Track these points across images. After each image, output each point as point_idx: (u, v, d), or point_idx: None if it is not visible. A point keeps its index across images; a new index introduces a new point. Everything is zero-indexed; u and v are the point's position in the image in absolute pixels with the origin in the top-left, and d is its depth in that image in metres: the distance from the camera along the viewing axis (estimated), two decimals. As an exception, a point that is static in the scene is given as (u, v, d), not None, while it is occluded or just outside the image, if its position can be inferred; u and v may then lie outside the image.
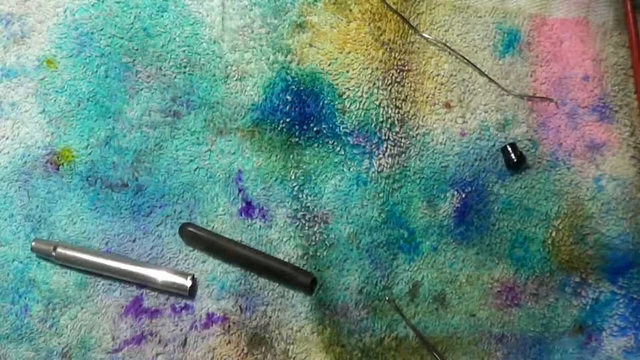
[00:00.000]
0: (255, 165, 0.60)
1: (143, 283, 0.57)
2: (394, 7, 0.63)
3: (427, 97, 0.63)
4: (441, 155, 0.62)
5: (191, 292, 0.58)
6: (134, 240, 0.59)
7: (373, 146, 0.61)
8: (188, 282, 0.57)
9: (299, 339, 0.59)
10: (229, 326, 0.58)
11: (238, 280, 0.59)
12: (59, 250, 0.56)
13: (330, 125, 0.61)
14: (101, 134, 0.59)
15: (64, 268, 0.58)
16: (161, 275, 0.57)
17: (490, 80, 0.63)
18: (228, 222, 0.59)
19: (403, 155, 0.62)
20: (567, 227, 0.62)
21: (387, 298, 0.60)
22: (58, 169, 0.58)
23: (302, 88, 0.61)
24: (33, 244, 0.57)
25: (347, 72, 0.62)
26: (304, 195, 0.60)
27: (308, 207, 0.60)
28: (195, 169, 0.60)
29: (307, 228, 0.60)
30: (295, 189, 0.60)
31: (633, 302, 0.62)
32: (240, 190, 0.60)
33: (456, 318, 0.61)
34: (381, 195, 0.61)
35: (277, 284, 0.59)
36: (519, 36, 0.64)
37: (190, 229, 0.58)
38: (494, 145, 0.63)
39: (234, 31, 0.61)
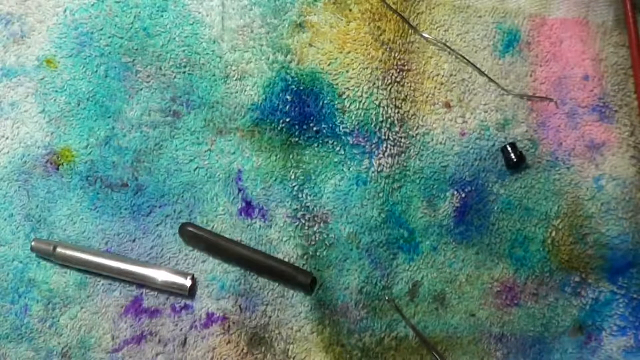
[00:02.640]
0: (255, 165, 0.60)
1: (143, 283, 0.57)
2: (394, 7, 0.63)
3: (427, 97, 0.63)
4: (441, 155, 0.62)
5: (191, 292, 0.58)
6: (134, 240, 0.59)
7: (373, 146, 0.61)
8: (188, 282, 0.57)
9: (299, 339, 0.59)
10: (229, 326, 0.58)
11: (238, 280, 0.59)
12: (59, 250, 0.56)
13: (330, 125, 0.61)
14: (101, 134, 0.59)
15: (64, 268, 0.58)
16: (161, 275, 0.57)
17: (490, 80, 0.63)
18: (228, 222, 0.59)
19: (403, 155, 0.62)
20: (567, 227, 0.62)
21: (387, 298, 0.60)
22: (58, 169, 0.58)
23: (302, 88, 0.61)
24: (33, 244, 0.57)
25: (347, 72, 0.62)
26: (304, 195, 0.60)
27: (308, 207, 0.60)
28: (195, 169, 0.60)
29: (307, 228, 0.60)
30: (295, 189, 0.60)
31: (633, 302, 0.62)
32: (240, 190, 0.60)
33: (456, 318, 0.61)
34: (381, 195, 0.61)
35: (277, 284, 0.59)
36: (519, 36, 0.64)
37: (190, 228, 0.58)
38: (494, 145, 0.63)
39: (234, 31, 0.61)
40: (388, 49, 0.62)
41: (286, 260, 0.59)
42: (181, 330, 0.58)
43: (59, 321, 0.57)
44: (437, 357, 0.59)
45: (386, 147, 0.61)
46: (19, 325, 0.57)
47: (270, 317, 0.59)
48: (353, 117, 0.61)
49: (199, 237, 0.58)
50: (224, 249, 0.58)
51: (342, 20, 0.62)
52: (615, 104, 0.64)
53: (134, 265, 0.57)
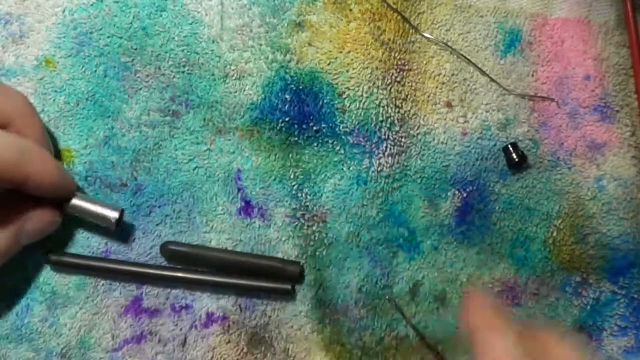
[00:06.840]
0: (255, 165, 0.60)
1: (78, 214, 0.55)
2: (395, 6, 0.62)
3: (428, 97, 0.62)
4: (442, 154, 0.62)
5: (119, 226, 0.56)
6: (134, 240, 0.59)
7: (373, 145, 0.61)
8: (115, 215, 0.55)
9: (298, 337, 0.59)
10: (229, 325, 0.59)
11: (238, 279, 0.59)
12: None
13: (330, 125, 0.61)
14: (100, 133, 0.59)
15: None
16: (93, 207, 0.55)
17: (492, 79, 0.63)
18: (227, 221, 0.59)
19: (403, 154, 0.61)
20: (568, 227, 0.62)
21: (387, 297, 0.60)
22: (57, 169, 0.58)
23: (301, 87, 0.61)
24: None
25: (347, 71, 0.61)
26: (303, 195, 0.60)
27: (307, 206, 0.60)
28: (195, 169, 0.60)
29: (306, 227, 0.60)
30: (295, 188, 0.60)
31: (633, 302, 0.62)
32: (239, 190, 0.60)
33: (457, 317, 0.61)
34: (381, 194, 0.61)
35: (277, 283, 0.59)
36: (521, 36, 0.63)
37: (171, 247, 0.57)
38: (495, 145, 0.62)
39: (232, 30, 0.61)
40: (388, 49, 0.62)
41: (285, 259, 0.60)
42: (181, 329, 0.58)
43: (59, 321, 0.57)
44: (437, 356, 0.59)
45: (386, 147, 0.61)
46: (19, 325, 0.57)
47: (270, 316, 0.59)
48: (353, 117, 0.61)
49: (180, 253, 0.57)
50: (208, 259, 0.58)
51: (341, 19, 0.62)
52: (616, 104, 0.63)
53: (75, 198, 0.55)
